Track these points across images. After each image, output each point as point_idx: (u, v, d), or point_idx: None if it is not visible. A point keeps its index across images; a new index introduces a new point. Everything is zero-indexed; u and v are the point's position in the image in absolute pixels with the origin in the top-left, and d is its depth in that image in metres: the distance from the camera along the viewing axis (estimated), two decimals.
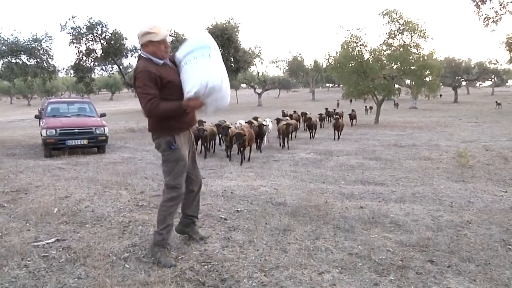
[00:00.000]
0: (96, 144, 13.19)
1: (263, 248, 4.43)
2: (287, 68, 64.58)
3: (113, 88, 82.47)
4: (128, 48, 23.48)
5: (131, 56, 24.49)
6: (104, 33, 22.07)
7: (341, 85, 33.11)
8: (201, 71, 3.79)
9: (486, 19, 12.28)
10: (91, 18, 21.78)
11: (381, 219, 5.38)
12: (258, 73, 58.19)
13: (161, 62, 3.88)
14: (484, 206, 6.12)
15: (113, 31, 22.24)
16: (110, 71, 25.21)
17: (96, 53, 22.70)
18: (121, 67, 24.50)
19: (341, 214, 5.68)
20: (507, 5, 11.62)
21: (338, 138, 15.93)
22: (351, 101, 33.53)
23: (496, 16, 12.05)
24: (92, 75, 24.58)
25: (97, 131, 13.07)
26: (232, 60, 22.72)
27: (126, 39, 22.85)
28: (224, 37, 21.47)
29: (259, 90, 58.08)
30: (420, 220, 5.33)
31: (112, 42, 22.04)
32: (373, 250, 4.32)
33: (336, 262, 4.03)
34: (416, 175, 8.46)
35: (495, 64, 54.22)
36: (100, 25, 21.85)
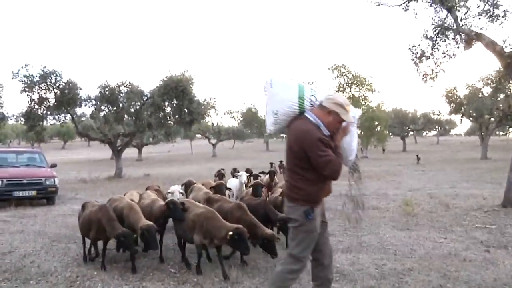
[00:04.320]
0: (45, 195, 12.89)
1: None
2: (241, 119, 65.66)
3: (65, 136, 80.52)
4: (82, 98, 23.27)
5: (85, 106, 24.26)
6: (58, 82, 21.86)
7: None
8: (356, 142, 4.07)
9: (424, 76, 13.10)
10: (45, 67, 21.54)
11: None
12: (213, 123, 58.80)
13: (328, 134, 3.77)
14: (425, 253, 6.45)
15: (67, 80, 22.06)
16: (63, 120, 24.78)
17: (49, 102, 22.37)
18: (74, 116, 24.17)
19: None
20: (441, 63, 12.49)
21: None
22: None
23: (432, 74, 12.89)
24: (44, 124, 24.10)
25: (47, 182, 12.80)
26: (186, 111, 22.89)
27: (81, 89, 22.67)
28: (179, 89, 21.73)
29: (213, 141, 58.38)
30: (365, 269, 5.54)
31: (66, 91, 21.81)
32: None
33: None
34: (364, 224, 8.76)
35: (438, 115, 57.24)
36: (54, 74, 21.64)
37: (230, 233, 4.99)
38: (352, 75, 24.46)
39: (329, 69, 25.02)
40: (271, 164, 20.54)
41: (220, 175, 10.95)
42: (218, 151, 56.80)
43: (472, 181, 18.57)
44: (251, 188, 8.14)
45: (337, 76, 24.78)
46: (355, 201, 4.44)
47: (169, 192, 8.06)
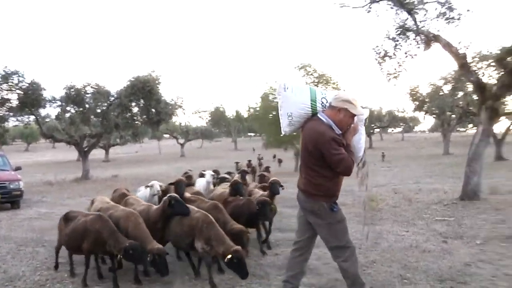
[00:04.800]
0: (9, 199, 12.65)
1: None
2: (209, 118, 65.72)
3: (29, 138, 78.41)
4: (47, 99, 22.78)
5: (49, 107, 23.77)
6: (21, 83, 21.34)
7: (262, 135, 33.85)
8: (364, 139, 4.33)
9: (388, 75, 13.50)
10: (6, 67, 20.96)
11: None
12: (181, 123, 58.57)
13: (340, 133, 4.02)
14: (388, 246, 6.76)
15: (31, 81, 21.55)
16: (27, 121, 24.20)
17: (11, 103, 21.83)
18: (38, 117, 23.63)
19: (257, 261, 6.01)
20: (403, 63, 12.92)
21: None
22: (274, 156, 33.64)
23: (395, 73, 13.31)
24: (6, 125, 23.48)
25: (11, 186, 12.59)
26: (153, 112, 22.77)
27: (45, 89, 22.16)
28: (146, 89, 21.59)
29: (181, 141, 58.12)
30: (331, 263, 5.73)
31: (30, 92, 21.30)
32: None
33: None
34: None
35: (402, 112, 58.62)
36: (16, 75, 21.14)
37: (229, 256, 4.74)
38: (318, 74, 24.83)
39: (295, 68, 25.27)
40: (237, 163, 20.63)
41: (188, 177, 10.80)
42: (186, 151, 56.63)
43: (435, 176, 19.25)
44: (230, 187, 7.70)
45: (304, 75, 25.09)
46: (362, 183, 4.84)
47: (148, 186, 8.09)
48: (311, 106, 4.12)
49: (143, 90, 21.75)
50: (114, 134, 31.32)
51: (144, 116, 23.66)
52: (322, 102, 4.16)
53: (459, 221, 8.59)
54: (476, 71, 11.62)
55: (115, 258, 5.27)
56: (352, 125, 4.11)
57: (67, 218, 5.71)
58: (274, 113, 25.22)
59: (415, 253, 6.26)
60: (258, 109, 26.57)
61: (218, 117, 65.54)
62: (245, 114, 50.18)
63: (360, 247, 6.77)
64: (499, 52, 10.65)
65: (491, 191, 12.14)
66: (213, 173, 10.62)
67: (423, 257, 6.03)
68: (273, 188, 7.24)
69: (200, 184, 10.02)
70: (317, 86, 25.82)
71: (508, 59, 10.54)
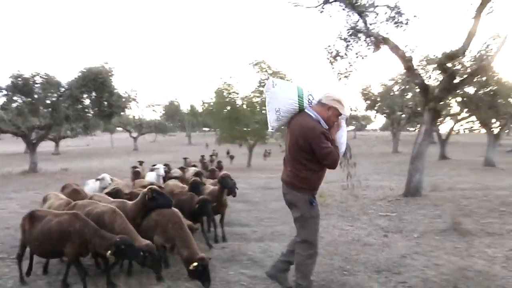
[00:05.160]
0: None
1: None
2: (163, 112, 64.94)
3: None
4: None
5: None
6: None
7: (216, 130, 33.80)
8: (345, 137, 4.55)
9: (339, 74, 13.85)
10: None
11: (239, 257, 5.95)
12: (134, 116, 57.61)
13: (327, 128, 4.27)
14: (332, 240, 7.04)
15: None
16: None
17: None
18: None
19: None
20: (354, 63, 13.31)
21: None
22: (228, 152, 33.57)
23: (346, 72, 13.69)
24: None
25: None
26: (105, 104, 22.30)
27: None
28: (98, 81, 21.11)
29: (135, 134, 57.16)
30: (275, 256, 5.96)
31: None
32: (229, 285, 4.80)
33: None
34: (279, 215, 9.26)
35: (355, 111, 60.10)
36: None
37: (195, 264, 4.66)
38: (272, 71, 25.12)
39: (250, 64, 25.45)
40: (185, 159, 20.28)
41: (135, 172, 10.58)
42: (140, 145, 55.80)
43: (383, 173, 19.96)
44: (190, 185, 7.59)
45: (258, 72, 25.32)
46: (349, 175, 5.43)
47: (98, 179, 7.97)
48: (298, 102, 4.33)
49: (95, 81, 21.28)
50: (64, 126, 30.48)
51: (96, 109, 23.12)
52: (309, 99, 4.40)
53: (400, 216, 9.02)
54: (421, 74, 12.09)
55: (99, 258, 5.12)
56: (336, 122, 4.37)
57: (33, 218, 5.01)
58: (228, 108, 25.37)
59: (356, 247, 6.57)
60: (212, 104, 26.55)
61: (172, 111, 64.89)
62: (199, 109, 49.95)
63: None
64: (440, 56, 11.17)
65: (432, 188, 12.77)
66: (164, 167, 10.61)
67: (364, 250, 6.34)
68: (224, 182, 7.33)
69: (150, 178, 10.00)
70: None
71: (448, 64, 11.11)
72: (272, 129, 4.64)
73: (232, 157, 30.62)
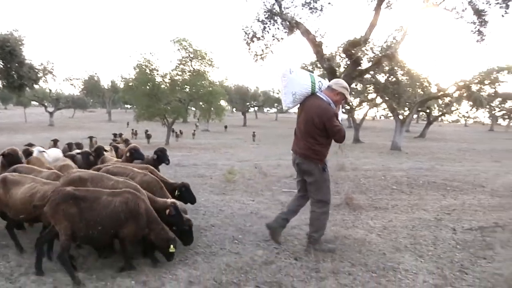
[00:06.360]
0: None
1: None
2: (82, 87, 61.93)
3: None
4: None
5: None
6: None
7: (134, 107, 32.94)
8: (340, 118, 5.32)
9: (255, 56, 14.14)
10: None
11: None
12: (51, 90, 54.62)
13: (335, 109, 5.12)
14: (231, 213, 7.37)
15: None
16: None
17: None
18: None
19: None
20: (270, 45, 13.65)
21: None
22: (147, 133, 32.31)
23: (262, 54, 14.01)
24: None
25: None
26: (15, 75, 20.97)
27: None
28: (6, 50, 19.69)
29: (51, 109, 54.23)
30: (247, 244, 5.96)
31: None
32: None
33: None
34: None
35: (278, 93, 61.45)
36: None
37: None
38: (193, 49, 25.03)
39: (171, 41, 25.18)
40: (91, 138, 18.86)
41: (26, 151, 8.94)
42: (56, 120, 53.21)
43: None
44: None
45: (179, 49, 25.11)
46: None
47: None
48: (311, 87, 5.13)
49: (3, 50, 19.96)
50: None
51: (4, 80, 21.72)
52: (319, 85, 5.19)
53: None
54: (330, 59, 12.69)
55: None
56: (340, 105, 5.28)
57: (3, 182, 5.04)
58: (150, 84, 24.91)
59: (253, 219, 6.94)
60: (131, 80, 25.97)
61: (92, 86, 62.12)
62: (121, 85, 48.45)
63: (205, 213, 7.31)
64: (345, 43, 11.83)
65: (339, 168, 13.52)
66: (43, 150, 9.23)
67: (259, 222, 6.72)
68: (136, 155, 7.49)
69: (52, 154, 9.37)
70: (192, 61, 26.28)
71: (353, 51, 11.79)
72: (287, 109, 5.59)
73: (149, 136, 29.18)
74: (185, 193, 6.28)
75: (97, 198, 4.32)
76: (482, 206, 8.34)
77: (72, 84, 60.65)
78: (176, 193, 6.18)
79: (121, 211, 4.34)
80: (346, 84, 5.24)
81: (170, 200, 5.20)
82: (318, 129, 5.04)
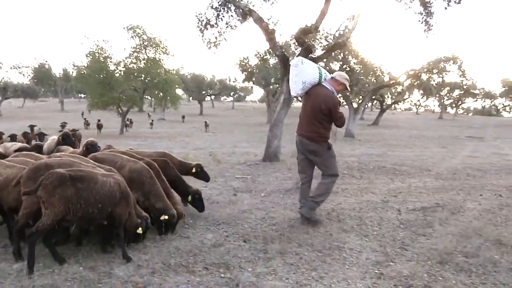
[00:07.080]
0: None
1: None
2: (32, 75, 59.34)
3: None
4: None
5: None
6: None
7: (87, 96, 32.01)
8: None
9: (208, 43, 14.08)
10: None
11: None
12: None
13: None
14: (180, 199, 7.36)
15: None
16: None
17: None
18: None
19: None
20: (224, 33, 13.63)
21: None
22: (99, 120, 30.97)
23: (216, 41, 13.96)
24: None
25: None
26: None
27: None
28: None
29: None
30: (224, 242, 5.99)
31: None
32: None
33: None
34: None
35: (234, 82, 61.40)
36: None
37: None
38: (148, 37, 24.60)
39: (124, 28, 24.64)
40: (32, 127, 18.16)
41: None
42: (5, 110, 51.12)
43: (253, 141, 20.88)
44: None
45: (132, 37, 24.61)
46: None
47: None
48: (319, 77, 5.80)
49: None
50: None
51: None
52: (324, 76, 5.87)
53: (254, 178, 9.70)
54: (282, 46, 12.84)
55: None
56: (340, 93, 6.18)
57: None
58: (104, 73, 24.24)
59: (205, 204, 6.97)
60: (84, 68, 25.24)
61: (42, 74, 59.65)
62: (73, 73, 47.01)
63: None
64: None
65: (293, 154, 13.72)
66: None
67: (211, 207, 6.79)
68: (92, 150, 7.18)
69: None
70: (146, 49, 25.87)
71: (305, 39, 11.94)
72: (296, 95, 6.76)
73: (100, 126, 26.99)
74: (200, 174, 7.22)
75: (93, 178, 4.33)
76: (427, 188, 8.74)
77: (20, 73, 57.87)
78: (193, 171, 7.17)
79: (116, 190, 4.47)
80: (347, 76, 6.12)
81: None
82: (324, 115, 5.74)
